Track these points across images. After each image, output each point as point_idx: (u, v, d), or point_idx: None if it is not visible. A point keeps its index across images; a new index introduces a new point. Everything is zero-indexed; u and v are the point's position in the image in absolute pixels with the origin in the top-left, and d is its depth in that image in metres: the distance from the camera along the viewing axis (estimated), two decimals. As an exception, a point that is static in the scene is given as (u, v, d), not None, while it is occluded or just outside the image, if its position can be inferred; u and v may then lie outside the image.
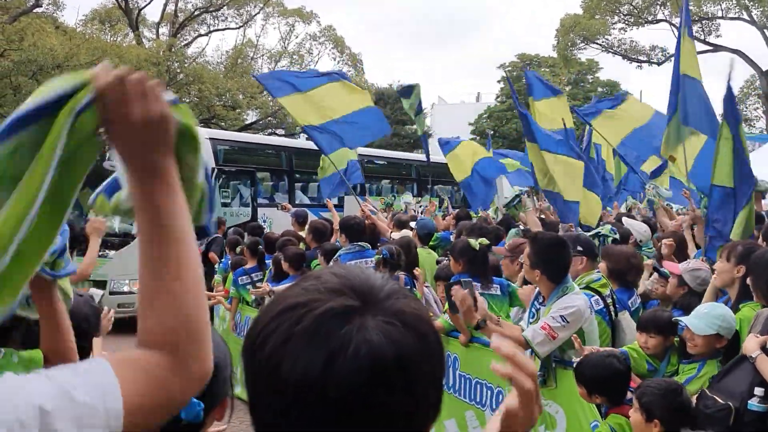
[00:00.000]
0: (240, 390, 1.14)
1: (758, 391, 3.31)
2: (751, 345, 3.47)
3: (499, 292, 5.54)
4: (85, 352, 2.88)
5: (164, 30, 33.17)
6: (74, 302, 2.80)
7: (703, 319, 3.80)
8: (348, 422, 0.87)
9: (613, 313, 4.94)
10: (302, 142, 26.47)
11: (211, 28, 34.18)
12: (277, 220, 12.80)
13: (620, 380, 3.70)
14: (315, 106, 9.88)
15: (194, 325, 1.14)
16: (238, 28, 34.25)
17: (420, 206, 12.78)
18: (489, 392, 4.87)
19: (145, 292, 1.13)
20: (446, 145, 12.24)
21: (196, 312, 1.15)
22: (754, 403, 3.31)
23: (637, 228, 7.15)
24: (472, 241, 5.53)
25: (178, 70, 29.56)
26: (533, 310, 4.56)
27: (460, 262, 5.59)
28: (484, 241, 5.67)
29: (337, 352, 0.87)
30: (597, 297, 4.95)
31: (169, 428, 1.69)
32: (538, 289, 4.58)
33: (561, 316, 4.20)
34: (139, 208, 1.17)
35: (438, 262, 7.25)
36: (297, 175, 16.23)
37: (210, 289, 8.84)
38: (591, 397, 3.73)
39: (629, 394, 3.70)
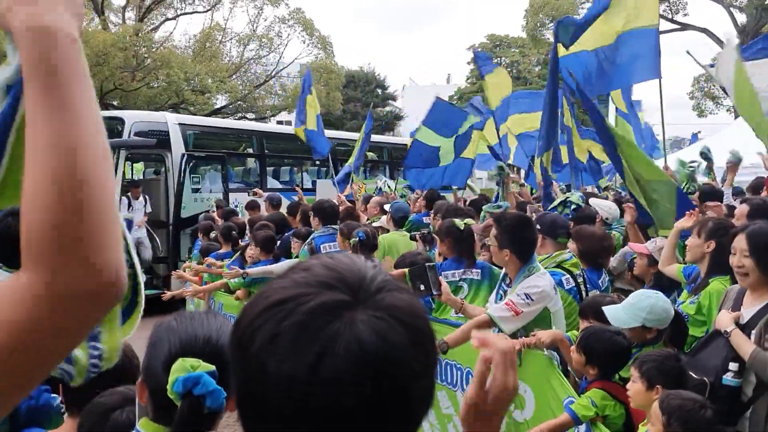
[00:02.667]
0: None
1: (732, 365, 3.36)
2: (724, 320, 3.50)
3: (479, 277, 5.45)
4: None
5: (130, 14, 32.67)
6: None
7: (627, 310, 3.76)
8: (338, 422, 0.86)
9: (584, 292, 4.99)
10: (273, 126, 26.34)
11: (179, 12, 33.70)
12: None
13: (623, 359, 3.64)
14: None
15: (97, 220, 0.83)
16: (206, 11, 33.82)
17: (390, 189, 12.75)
18: (459, 372, 4.89)
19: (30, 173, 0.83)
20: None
21: (101, 202, 0.84)
22: (728, 378, 3.35)
23: (604, 207, 7.21)
24: (458, 221, 5.52)
25: (146, 55, 29.12)
26: (500, 291, 4.56)
27: (445, 242, 5.57)
28: (470, 221, 5.67)
29: (326, 350, 0.85)
30: (568, 276, 5.00)
31: (192, 418, 1.70)
32: (504, 270, 4.58)
33: (525, 294, 4.20)
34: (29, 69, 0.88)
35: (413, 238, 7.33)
36: (268, 159, 16.14)
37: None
38: (585, 366, 3.65)
39: None
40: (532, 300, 4.19)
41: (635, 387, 3.25)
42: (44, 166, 0.81)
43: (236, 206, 12.49)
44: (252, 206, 11.28)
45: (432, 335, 0.97)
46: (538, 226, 5.01)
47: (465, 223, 5.50)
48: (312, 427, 0.86)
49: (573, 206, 6.88)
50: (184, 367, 1.70)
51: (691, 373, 3.39)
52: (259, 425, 0.92)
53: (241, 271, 6.95)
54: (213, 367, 1.72)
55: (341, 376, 0.85)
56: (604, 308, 3.88)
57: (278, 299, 0.91)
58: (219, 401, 1.70)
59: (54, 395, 2.67)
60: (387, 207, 8.18)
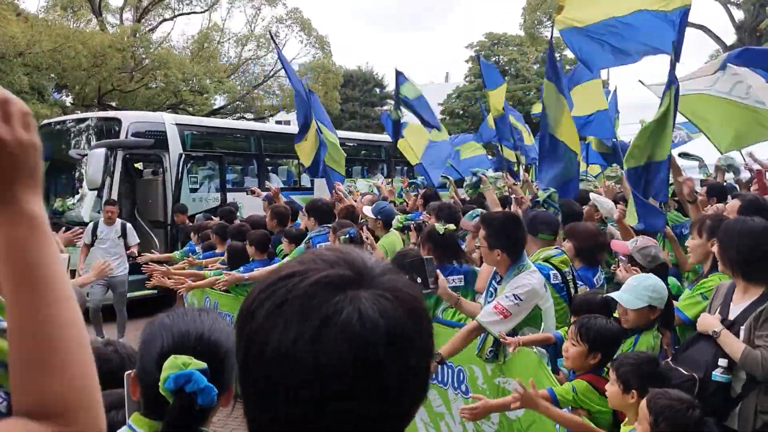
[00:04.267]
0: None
1: (722, 362, 3.37)
2: (709, 321, 3.52)
3: (461, 283, 5.35)
4: None
5: (128, 15, 32.59)
6: None
7: (633, 293, 3.79)
8: (336, 394, 0.87)
9: (572, 290, 4.97)
10: (271, 125, 26.31)
11: (176, 13, 33.66)
12: (247, 205, 12.74)
13: (619, 343, 3.70)
14: None
15: (82, 390, 0.99)
16: (204, 11, 33.81)
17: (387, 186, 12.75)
18: (450, 371, 4.94)
19: (22, 357, 0.95)
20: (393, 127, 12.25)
21: (84, 375, 0.99)
22: (717, 374, 3.36)
23: (604, 204, 7.20)
24: (438, 226, 5.46)
25: (144, 56, 29.11)
26: (491, 289, 4.52)
27: (426, 247, 5.44)
28: (451, 226, 5.59)
29: (328, 320, 0.87)
30: (555, 272, 4.96)
31: (183, 415, 1.72)
32: (495, 268, 4.54)
33: (514, 295, 4.18)
34: (4, 260, 0.97)
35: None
36: (267, 159, 16.14)
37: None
38: (587, 357, 3.65)
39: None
40: (521, 300, 4.16)
41: (612, 389, 3.27)
42: (52, 385, 0.96)
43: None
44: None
45: (430, 321, 1.00)
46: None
47: (446, 228, 5.42)
48: (311, 401, 0.87)
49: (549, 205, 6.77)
50: (176, 364, 1.72)
51: (679, 368, 3.41)
52: (260, 404, 0.93)
53: (238, 276, 6.93)
54: (204, 365, 1.74)
55: (341, 347, 0.86)
56: (612, 294, 3.92)
57: (286, 273, 0.95)
58: (210, 398, 1.72)
59: None
60: (367, 210, 7.79)
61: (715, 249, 4.19)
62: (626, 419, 3.29)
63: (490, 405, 3.74)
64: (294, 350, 0.87)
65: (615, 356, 3.51)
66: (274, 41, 13.53)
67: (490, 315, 4.19)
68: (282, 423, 0.90)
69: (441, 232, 5.39)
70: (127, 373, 1.93)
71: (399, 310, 0.92)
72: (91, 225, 10.10)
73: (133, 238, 10.19)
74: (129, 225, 10.35)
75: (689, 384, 3.30)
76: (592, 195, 7.64)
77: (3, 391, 1.11)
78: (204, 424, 1.83)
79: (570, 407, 3.61)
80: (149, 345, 1.87)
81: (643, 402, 2.92)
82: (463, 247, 5.96)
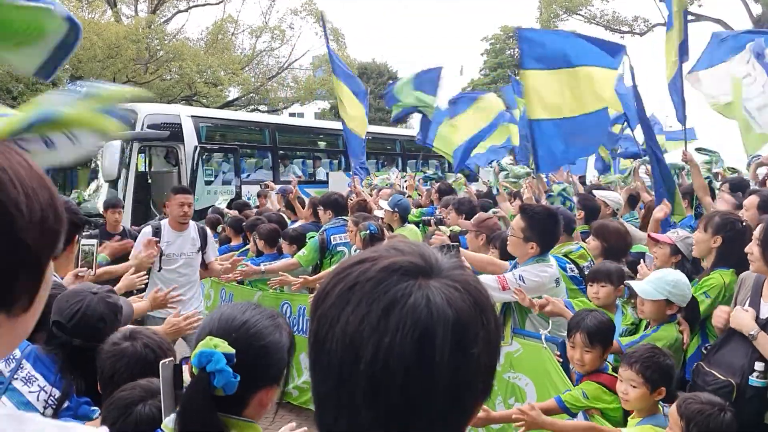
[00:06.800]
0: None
1: (758, 366, 3.31)
2: (744, 322, 3.43)
3: None
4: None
5: (143, 6, 32.70)
6: (87, 300, 2.77)
7: (653, 284, 3.78)
8: (395, 378, 0.87)
9: None
10: (285, 118, 26.34)
11: (191, 4, 33.71)
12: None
13: (612, 333, 3.69)
14: None
15: None
16: (218, 3, 33.82)
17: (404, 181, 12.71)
18: None
19: None
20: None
21: None
22: (754, 379, 3.30)
23: (611, 197, 7.17)
24: (443, 228, 5.44)
25: (158, 48, 29.20)
26: None
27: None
28: (456, 228, 5.56)
29: (395, 303, 0.89)
30: (572, 265, 5.00)
31: (198, 394, 1.73)
32: (515, 260, 4.52)
33: (520, 275, 4.18)
34: None
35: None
36: (281, 152, 16.15)
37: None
38: (590, 346, 3.60)
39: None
40: (524, 283, 4.15)
41: (638, 391, 3.15)
42: None
43: (248, 198, 12.53)
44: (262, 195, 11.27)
45: (497, 316, 1.00)
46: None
47: (451, 230, 5.39)
48: (371, 379, 0.88)
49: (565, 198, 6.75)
50: (206, 344, 1.78)
51: (715, 372, 3.37)
52: (323, 382, 0.94)
53: (255, 268, 6.88)
54: (232, 351, 1.77)
55: (407, 331, 0.87)
56: (631, 283, 3.92)
57: (360, 259, 0.97)
58: (227, 381, 1.74)
59: (94, 408, 2.70)
60: (383, 203, 7.62)
61: (717, 245, 4.20)
62: (633, 413, 3.27)
63: (491, 417, 3.71)
64: (360, 330, 0.89)
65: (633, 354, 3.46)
66: (324, 27, 13.26)
67: (490, 280, 4.17)
68: (343, 404, 0.91)
69: (447, 234, 5.36)
70: (162, 361, 1.94)
71: (467, 301, 0.92)
72: (149, 231, 6.13)
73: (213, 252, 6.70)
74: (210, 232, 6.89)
75: (727, 389, 3.26)
76: (596, 192, 7.61)
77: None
78: (239, 413, 1.86)
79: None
80: (201, 330, 1.93)
81: (673, 407, 2.89)
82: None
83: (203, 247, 6.25)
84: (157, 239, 5.90)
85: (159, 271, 5.96)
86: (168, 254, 6.01)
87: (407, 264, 0.94)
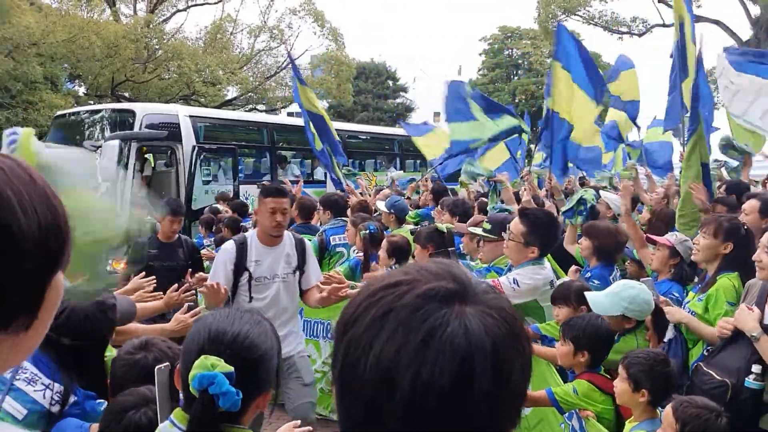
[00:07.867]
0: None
1: (755, 368, 3.31)
2: (748, 323, 3.42)
3: None
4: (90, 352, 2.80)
5: (141, 5, 32.65)
6: (74, 302, 2.76)
7: (610, 298, 3.76)
8: (432, 408, 0.85)
9: None
10: (284, 118, 26.29)
11: (189, 3, 33.62)
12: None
13: (610, 342, 3.67)
14: None
15: None
16: (217, 2, 33.78)
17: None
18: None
19: None
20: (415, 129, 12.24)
21: None
22: (750, 381, 3.31)
23: (614, 200, 7.17)
24: (440, 226, 5.41)
25: (157, 47, 29.17)
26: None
27: (428, 248, 5.27)
28: (450, 225, 5.54)
29: (434, 333, 0.87)
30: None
31: (206, 415, 1.73)
32: (510, 263, 4.49)
33: (514, 279, 4.15)
34: None
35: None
36: (279, 152, 16.12)
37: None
38: (576, 355, 3.61)
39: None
40: (518, 286, 4.12)
41: (622, 386, 3.22)
42: None
43: (247, 198, 12.49)
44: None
45: (530, 343, 0.99)
46: (489, 226, 4.94)
47: (447, 227, 5.36)
48: (407, 409, 0.86)
49: (589, 205, 6.67)
50: (204, 365, 1.75)
51: (712, 372, 3.37)
52: (353, 411, 0.92)
53: None
54: (231, 369, 1.76)
55: (446, 361, 0.85)
56: (587, 294, 3.89)
57: (391, 282, 0.94)
58: (232, 401, 1.74)
59: (100, 401, 2.71)
60: (380, 204, 7.60)
61: (727, 251, 4.17)
62: (632, 417, 3.27)
63: None
64: (396, 360, 0.87)
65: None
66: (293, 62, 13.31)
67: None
68: (372, 430, 0.90)
69: (443, 231, 5.34)
70: (157, 367, 1.94)
71: (503, 329, 0.91)
72: (233, 247, 4.67)
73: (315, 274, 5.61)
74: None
75: (722, 389, 3.27)
76: (602, 193, 7.62)
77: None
78: (237, 421, 1.86)
79: (576, 409, 3.59)
80: (190, 342, 1.90)
81: (668, 410, 2.89)
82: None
83: (301, 266, 4.79)
84: (237, 262, 4.55)
85: (250, 302, 4.54)
86: (258, 278, 4.59)
87: (443, 290, 0.91)
